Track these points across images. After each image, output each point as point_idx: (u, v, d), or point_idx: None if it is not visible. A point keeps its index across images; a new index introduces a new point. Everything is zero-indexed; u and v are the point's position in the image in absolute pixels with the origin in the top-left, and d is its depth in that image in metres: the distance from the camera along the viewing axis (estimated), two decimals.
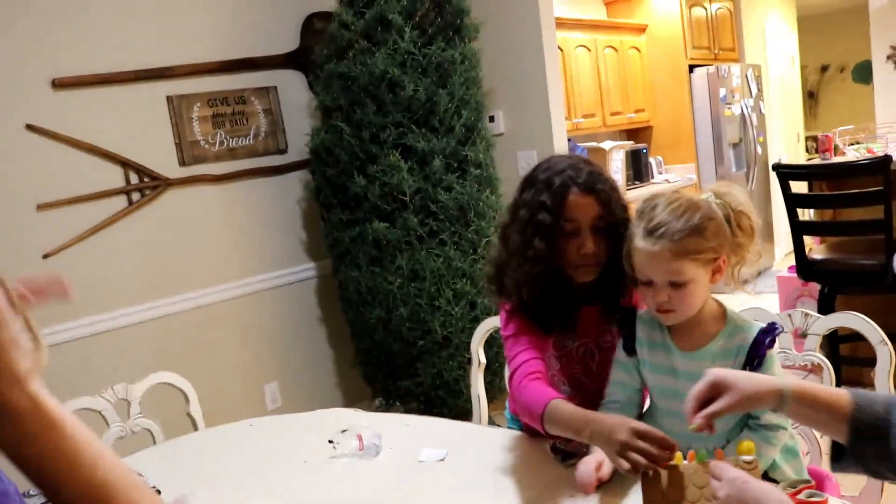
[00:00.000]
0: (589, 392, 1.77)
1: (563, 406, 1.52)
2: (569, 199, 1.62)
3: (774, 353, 1.46)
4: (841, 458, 1.18)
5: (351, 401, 4.10)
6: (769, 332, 1.44)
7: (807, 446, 1.79)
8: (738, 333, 1.46)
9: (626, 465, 1.28)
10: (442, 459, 1.78)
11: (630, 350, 1.55)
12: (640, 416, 1.55)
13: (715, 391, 1.19)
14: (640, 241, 1.41)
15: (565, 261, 1.66)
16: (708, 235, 1.39)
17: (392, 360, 3.58)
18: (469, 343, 2.29)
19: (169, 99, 3.47)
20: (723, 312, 1.49)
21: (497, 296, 1.80)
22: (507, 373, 1.87)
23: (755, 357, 1.42)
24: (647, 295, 1.45)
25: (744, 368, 1.42)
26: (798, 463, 1.51)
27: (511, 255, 1.70)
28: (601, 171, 1.67)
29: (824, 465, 1.74)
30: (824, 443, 1.82)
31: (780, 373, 1.46)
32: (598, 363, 1.78)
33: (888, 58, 6.43)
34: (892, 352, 1.67)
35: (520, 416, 1.72)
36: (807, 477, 1.46)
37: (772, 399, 1.18)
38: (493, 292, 1.81)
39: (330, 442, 1.92)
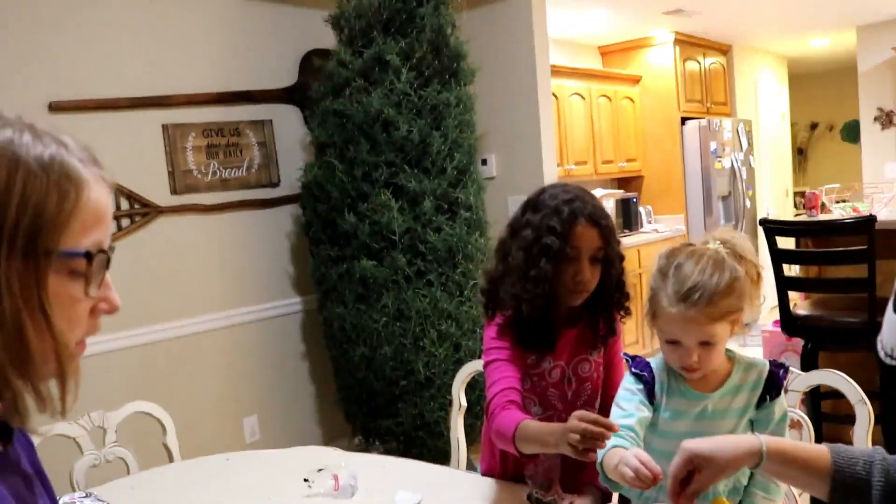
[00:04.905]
0: (561, 419, 1.78)
1: (532, 424, 1.60)
2: (576, 228, 1.70)
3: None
4: None
5: (330, 437, 4.07)
6: (780, 366, 1.50)
7: None
8: (752, 369, 1.50)
9: (574, 437, 1.35)
10: (418, 503, 1.77)
11: (651, 397, 1.52)
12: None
13: (692, 466, 1.18)
14: (672, 307, 1.39)
15: (560, 283, 1.73)
16: (737, 295, 1.39)
17: (373, 399, 3.56)
18: (451, 385, 2.28)
19: (164, 127, 3.49)
20: (728, 356, 1.52)
21: (488, 308, 1.85)
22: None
23: (774, 387, 1.47)
24: (674, 354, 1.44)
25: (762, 398, 1.47)
26: None
27: (511, 270, 1.76)
28: (603, 207, 1.78)
29: None
30: (802, 500, 1.82)
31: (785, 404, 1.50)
32: (574, 392, 1.84)
33: (875, 119, 6.54)
34: (871, 411, 1.67)
35: (494, 440, 1.74)
36: None
37: (750, 460, 1.17)
38: (483, 304, 1.87)
39: (305, 480, 1.90)
